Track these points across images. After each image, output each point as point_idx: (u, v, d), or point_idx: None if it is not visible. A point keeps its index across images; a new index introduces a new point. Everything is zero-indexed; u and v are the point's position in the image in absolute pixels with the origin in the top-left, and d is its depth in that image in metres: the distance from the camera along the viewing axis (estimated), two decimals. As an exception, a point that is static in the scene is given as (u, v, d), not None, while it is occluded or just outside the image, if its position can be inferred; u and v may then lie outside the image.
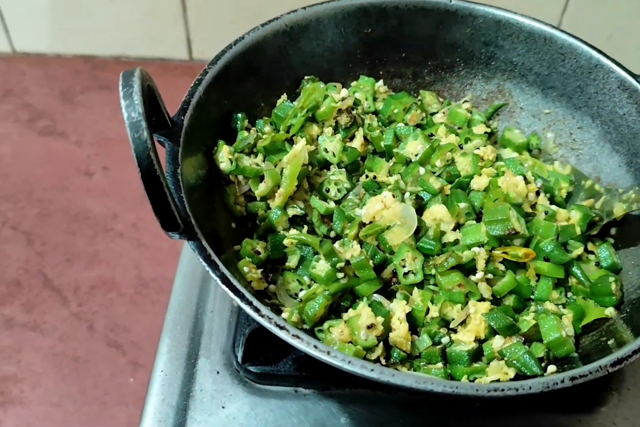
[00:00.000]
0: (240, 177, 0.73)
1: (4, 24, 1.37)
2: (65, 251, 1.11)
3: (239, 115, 0.76)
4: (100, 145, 1.27)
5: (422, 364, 0.64)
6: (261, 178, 0.74)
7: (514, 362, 0.61)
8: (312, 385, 0.71)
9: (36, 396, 0.95)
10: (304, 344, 0.53)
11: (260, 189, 0.73)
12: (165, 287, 1.07)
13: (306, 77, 0.82)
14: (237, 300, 0.56)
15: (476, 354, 0.65)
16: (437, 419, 0.71)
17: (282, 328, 0.54)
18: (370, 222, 0.69)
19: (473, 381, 0.63)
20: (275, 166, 0.74)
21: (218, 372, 0.72)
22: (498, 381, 0.61)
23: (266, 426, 0.69)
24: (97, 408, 0.95)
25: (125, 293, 1.06)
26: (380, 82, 0.86)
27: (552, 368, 0.61)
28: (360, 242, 0.68)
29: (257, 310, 0.55)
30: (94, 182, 1.21)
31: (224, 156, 0.71)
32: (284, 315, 0.64)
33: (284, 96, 0.81)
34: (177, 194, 0.61)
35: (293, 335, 0.54)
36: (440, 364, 0.64)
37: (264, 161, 0.75)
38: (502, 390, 0.52)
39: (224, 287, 0.56)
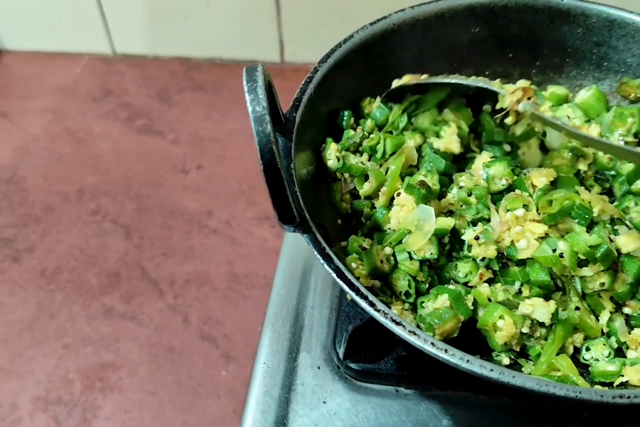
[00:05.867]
0: (347, 175, 0.74)
1: (106, 27, 1.43)
2: (161, 244, 1.14)
3: (346, 113, 0.76)
4: (195, 144, 1.31)
5: None
6: (366, 177, 0.74)
7: None
8: (414, 385, 0.71)
9: (133, 384, 0.98)
10: (420, 341, 0.53)
11: (365, 189, 0.73)
12: (257, 283, 1.09)
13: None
14: (352, 294, 0.56)
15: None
16: (541, 427, 0.69)
17: (398, 323, 0.54)
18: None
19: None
20: (380, 166, 0.74)
21: (319, 368, 0.73)
22: (626, 383, 0.59)
23: (368, 423, 0.68)
24: (191, 398, 0.97)
25: (219, 288, 1.09)
26: (486, 82, 0.85)
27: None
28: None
29: (372, 304, 0.55)
30: (189, 179, 1.24)
31: (332, 154, 0.72)
32: (393, 311, 0.63)
33: (378, 100, 0.81)
34: (291, 188, 0.61)
35: (409, 331, 0.53)
36: None
37: (369, 160, 0.75)
38: (629, 397, 0.50)
39: (339, 280, 0.56)
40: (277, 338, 0.76)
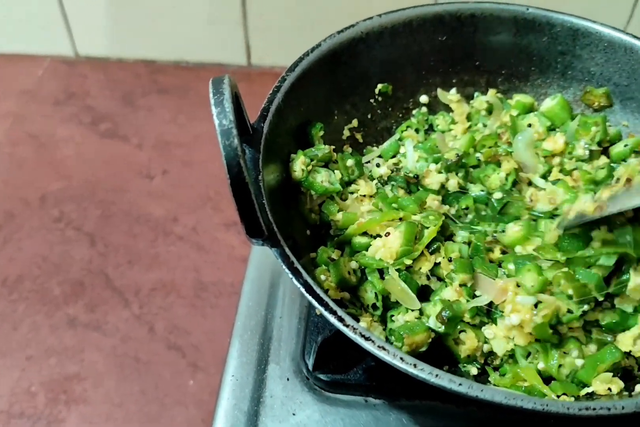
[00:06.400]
0: (313, 191, 0.72)
1: (69, 29, 1.40)
2: (126, 252, 1.12)
3: (316, 124, 0.76)
4: (160, 148, 1.29)
5: None
6: (331, 197, 0.73)
7: None
8: (383, 395, 0.71)
9: (99, 395, 0.96)
10: (389, 356, 0.53)
11: (335, 220, 0.72)
12: (224, 291, 1.08)
13: (379, 86, 0.82)
14: (321, 309, 0.55)
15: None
16: (507, 435, 0.70)
17: (367, 339, 0.54)
18: None
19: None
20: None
21: (288, 379, 0.72)
22: (592, 393, 0.60)
23: (337, 435, 0.68)
24: (158, 409, 0.95)
25: (185, 296, 1.07)
26: (453, 90, 0.86)
27: (639, 388, 0.60)
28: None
29: (341, 319, 0.55)
30: (155, 185, 1.22)
31: (298, 166, 0.71)
32: (362, 324, 0.63)
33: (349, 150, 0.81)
34: (259, 201, 0.61)
35: (379, 346, 0.53)
36: None
37: (341, 183, 0.73)
38: (594, 409, 0.51)
39: (307, 295, 0.56)
40: (245, 350, 0.75)
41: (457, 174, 0.76)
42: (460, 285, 0.64)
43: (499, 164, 0.77)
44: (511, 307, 0.60)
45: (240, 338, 0.76)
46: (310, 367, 0.72)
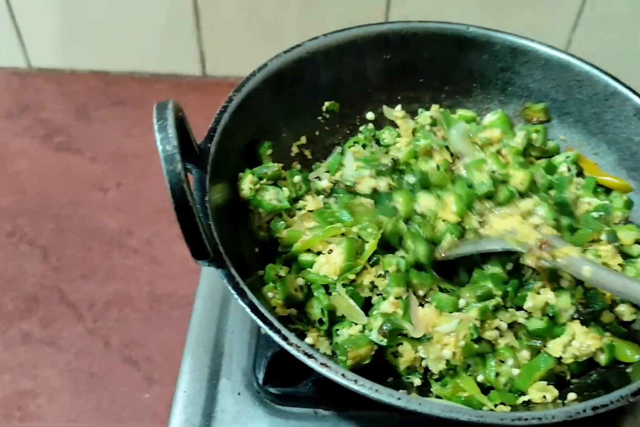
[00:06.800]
0: (261, 209, 0.74)
1: (21, 40, 1.38)
2: (81, 266, 1.12)
3: (264, 143, 0.77)
4: (115, 161, 1.29)
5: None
6: (279, 214, 0.75)
7: None
8: (332, 407, 0.73)
9: (53, 412, 0.96)
10: (332, 373, 0.55)
11: (281, 236, 0.73)
12: (179, 303, 1.09)
13: (327, 103, 0.84)
14: (266, 328, 0.57)
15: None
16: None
17: (310, 356, 0.56)
18: None
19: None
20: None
21: (239, 394, 0.74)
22: (529, 402, 0.63)
23: (287, 447, 0.70)
24: (114, 424, 0.96)
25: (140, 309, 1.08)
26: (399, 106, 0.88)
27: (572, 396, 0.63)
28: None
29: (285, 338, 0.57)
30: (109, 198, 1.22)
31: (246, 185, 0.72)
32: (308, 340, 0.65)
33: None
34: (205, 222, 0.62)
35: (321, 363, 0.55)
36: None
37: (289, 200, 0.75)
38: (526, 419, 0.53)
39: (252, 315, 0.58)
40: (197, 365, 0.76)
41: (393, 179, 0.77)
42: (396, 298, 0.66)
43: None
44: (436, 337, 0.64)
45: (192, 353, 0.77)
46: (260, 382, 0.73)
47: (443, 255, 0.68)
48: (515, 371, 0.65)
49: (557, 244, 0.62)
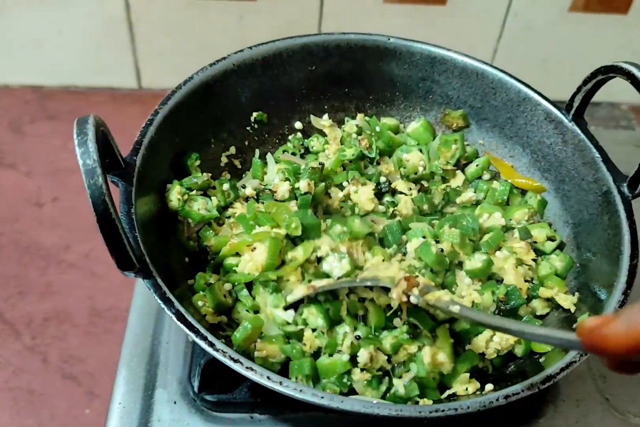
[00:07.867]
0: (190, 219, 0.75)
1: (-50, 55, 1.37)
2: (17, 283, 1.11)
3: (192, 155, 0.79)
4: (51, 175, 1.28)
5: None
6: (209, 223, 0.76)
7: None
8: (267, 410, 0.74)
9: (-8, 431, 0.95)
10: (257, 376, 0.57)
11: (210, 244, 0.75)
12: (119, 316, 1.08)
13: (255, 114, 0.86)
14: (192, 336, 0.58)
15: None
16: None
17: (236, 361, 0.57)
18: None
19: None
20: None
21: (175, 402, 0.75)
22: (454, 395, 0.66)
23: (224, 453, 0.71)
24: (55, 441, 0.95)
25: (79, 324, 1.07)
26: (326, 116, 0.91)
27: (489, 387, 0.66)
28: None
29: (211, 344, 0.58)
30: (45, 213, 1.21)
31: (174, 196, 0.74)
32: (236, 347, 0.66)
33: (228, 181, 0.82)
34: (131, 234, 0.63)
35: (247, 367, 0.57)
36: None
37: (218, 208, 0.77)
38: (443, 411, 0.56)
39: (179, 323, 0.59)
40: (132, 377, 0.77)
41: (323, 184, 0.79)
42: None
43: None
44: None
45: (127, 366, 0.78)
46: (196, 389, 0.74)
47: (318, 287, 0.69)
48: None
49: (430, 289, 0.66)
